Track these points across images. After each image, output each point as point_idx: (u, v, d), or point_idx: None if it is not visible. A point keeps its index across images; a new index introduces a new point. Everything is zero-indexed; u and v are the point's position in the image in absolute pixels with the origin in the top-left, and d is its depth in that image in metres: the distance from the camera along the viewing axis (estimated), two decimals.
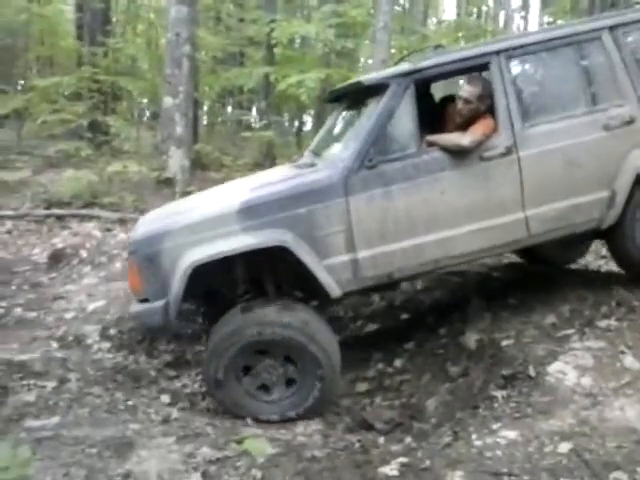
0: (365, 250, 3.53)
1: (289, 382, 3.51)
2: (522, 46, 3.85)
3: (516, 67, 3.93)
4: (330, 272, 3.47)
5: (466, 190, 3.64)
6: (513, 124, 3.71)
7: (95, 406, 3.37)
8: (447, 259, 3.70)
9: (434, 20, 23.64)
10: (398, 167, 3.59)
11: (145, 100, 17.20)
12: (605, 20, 3.96)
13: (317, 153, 4.21)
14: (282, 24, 10.43)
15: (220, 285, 3.81)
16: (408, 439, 3.30)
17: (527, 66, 4.06)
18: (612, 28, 3.88)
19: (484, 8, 21.95)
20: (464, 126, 3.80)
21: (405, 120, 3.67)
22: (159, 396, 3.82)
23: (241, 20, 15.75)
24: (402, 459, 2.85)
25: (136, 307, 3.58)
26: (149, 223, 3.80)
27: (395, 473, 2.73)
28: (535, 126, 3.75)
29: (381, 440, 3.32)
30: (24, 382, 3.53)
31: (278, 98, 13.91)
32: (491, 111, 3.81)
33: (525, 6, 22.17)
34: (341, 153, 3.76)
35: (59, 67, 18.68)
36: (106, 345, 4.44)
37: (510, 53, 3.82)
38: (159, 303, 3.43)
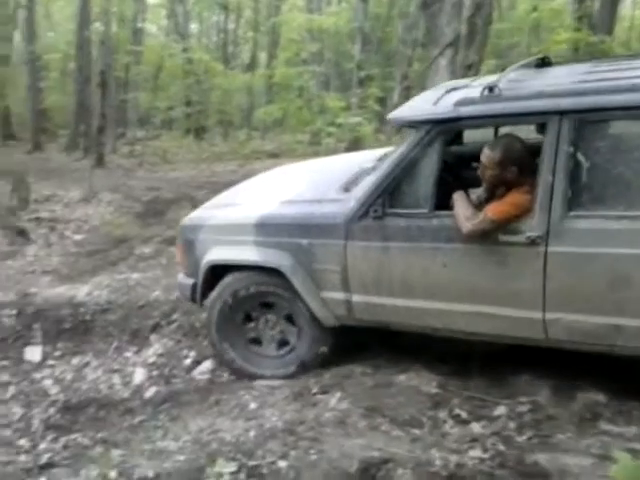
0: (359, 295, 3.38)
1: (281, 343, 3.71)
2: (605, 109, 2.73)
3: (584, 135, 2.78)
4: (325, 304, 3.47)
5: (473, 270, 3.08)
6: (551, 210, 2.85)
7: None
8: (447, 331, 3.31)
9: None
10: (402, 225, 3.20)
11: None
12: None
13: (373, 169, 3.65)
14: None
15: None
16: None
17: (600, 136, 2.81)
18: None
19: None
20: (494, 190, 3.16)
21: (424, 175, 3.14)
22: None
23: None
24: None
25: (180, 277, 4.06)
26: (202, 209, 4.16)
27: None
28: (583, 218, 2.82)
29: None
30: None
31: None
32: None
33: None
34: (358, 191, 3.42)
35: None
36: None
37: (583, 116, 2.77)
38: (191, 281, 3.86)
